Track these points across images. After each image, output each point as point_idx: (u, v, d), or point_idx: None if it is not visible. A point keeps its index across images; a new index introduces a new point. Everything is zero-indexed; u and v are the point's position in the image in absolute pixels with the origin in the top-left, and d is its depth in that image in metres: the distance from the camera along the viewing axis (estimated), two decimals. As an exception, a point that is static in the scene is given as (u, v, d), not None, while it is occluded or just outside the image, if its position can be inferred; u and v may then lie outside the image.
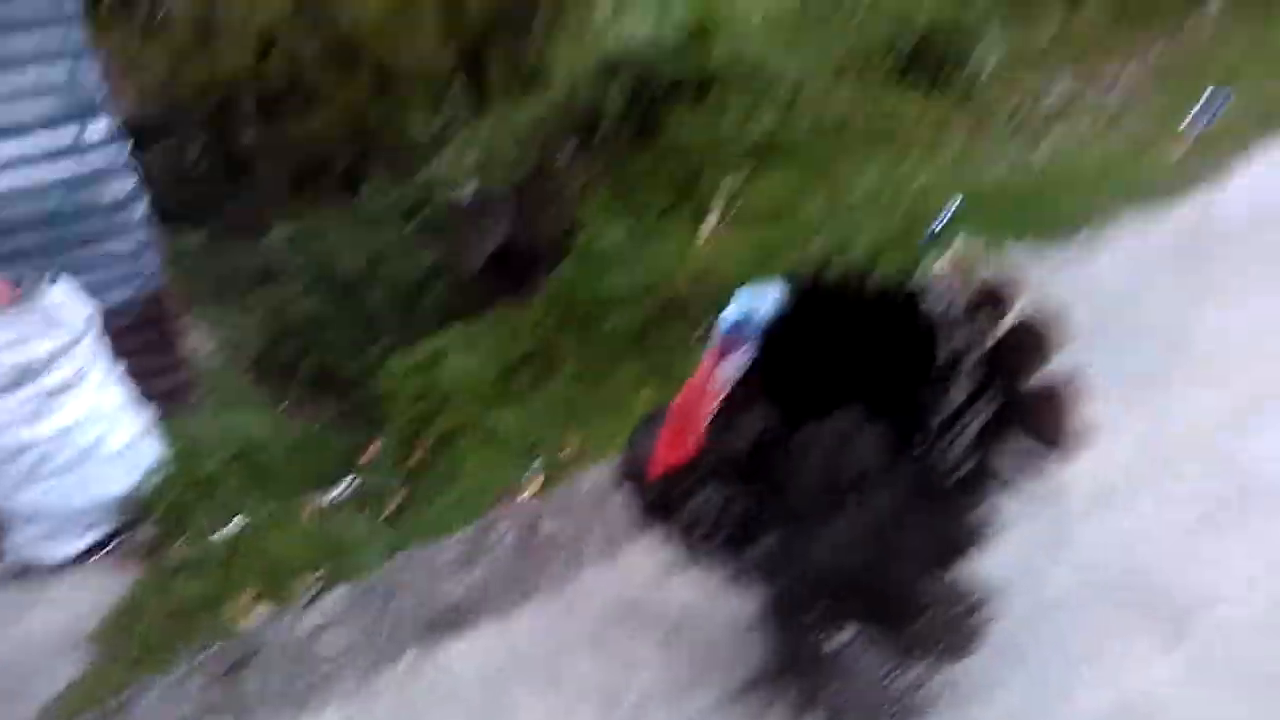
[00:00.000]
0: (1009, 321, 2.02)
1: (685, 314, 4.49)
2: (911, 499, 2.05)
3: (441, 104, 11.59)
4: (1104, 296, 3.71)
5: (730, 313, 2.09)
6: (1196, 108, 4.97)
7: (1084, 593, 2.55)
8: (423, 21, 13.69)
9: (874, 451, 2.05)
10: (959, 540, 2.11)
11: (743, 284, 4.25)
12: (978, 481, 2.07)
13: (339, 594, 3.20)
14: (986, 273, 2.07)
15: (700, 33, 5.42)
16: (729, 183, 4.95)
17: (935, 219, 4.34)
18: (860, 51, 5.43)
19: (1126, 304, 3.65)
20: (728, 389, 2.12)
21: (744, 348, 2.09)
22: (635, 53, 5.40)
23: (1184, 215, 4.18)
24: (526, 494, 3.85)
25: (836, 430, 2.07)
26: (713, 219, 4.84)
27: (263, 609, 3.61)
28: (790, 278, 2.16)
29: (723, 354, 2.10)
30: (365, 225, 8.29)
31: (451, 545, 3.28)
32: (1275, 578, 2.49)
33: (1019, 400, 2.02)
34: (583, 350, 4.72)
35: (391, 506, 4.15)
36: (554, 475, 3.89)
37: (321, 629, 3.07)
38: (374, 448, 4.79)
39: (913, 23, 5.26)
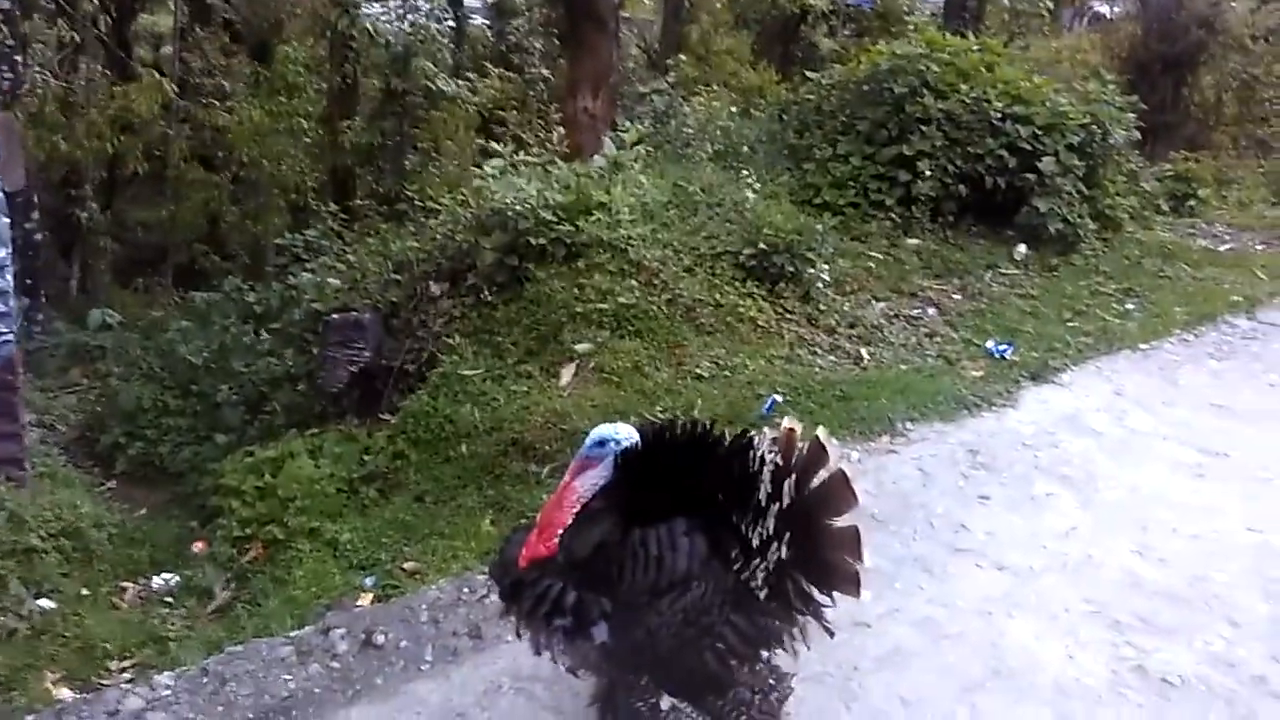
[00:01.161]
0: (819, 477, 2.49)
1: (531, 453, 4.81)
2: (723, 600, 2.43)
3: (304, 219, 11.79)
4: (896, 493, 4.31)
5: (592, 436, 2.52)
6: (991, 342, 5.83)
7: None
8: (295, 141, 13.99)
9: (694, 557, 2.45)
10: (761, 638, 2.50)
11: (587, 433, 4.65)
12: (779, 596, 2.48)
13: (168, 677, 3.22)
14: (808, 439, 2.54)
15: (575, 211, 5.96)
16: (586, 342, 5.38)
17: (764, 403, 4.89)
18: (713, 250, 6.09)
19: (915, 500, 4.24)
20: (584, 500, 2.51)
21: (600, 467, 2.50)
22: (514, 216, 5.85)
23: (976, 427, 4.88)
24: (361, 602, 3.99)
25: (664, 537, 2.46)
26: (569, 372, 5.24)
27: (68, 691, 3.56)
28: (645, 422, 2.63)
29: (582, 470, 2.52)
30: (203, 321, 8.26)
31: (287, 641, 3.38)
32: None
33: (815, 541, 2.48)
34: (429, 474, 4.93)
35: (218, 602, 4.16)
36: (391, 588, 4.04)
37: (146, 711, 3.09)
38: (202, 544, 4.79)
39: (760, 234, 5.95)
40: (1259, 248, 7.92)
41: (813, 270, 5.92)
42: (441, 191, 8.80)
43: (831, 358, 5.59)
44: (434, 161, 14.09)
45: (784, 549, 2.43)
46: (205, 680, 3.16)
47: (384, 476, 5.00)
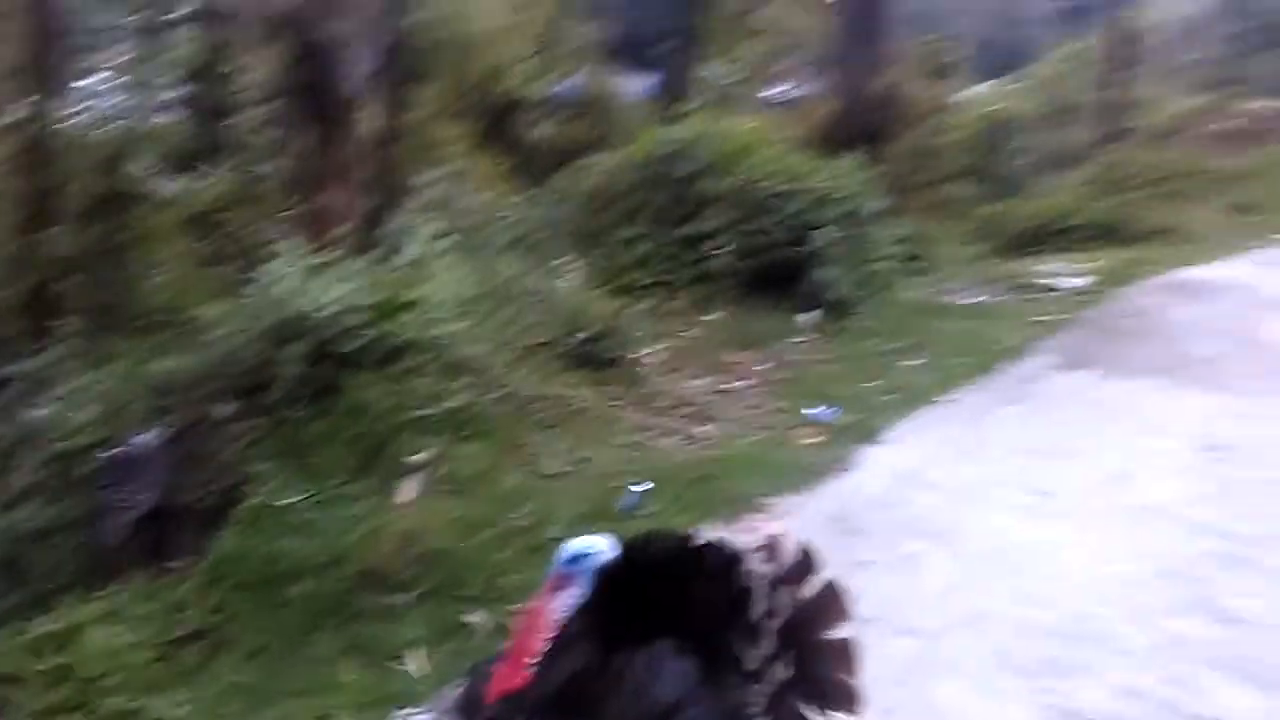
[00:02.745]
0: (811, 589, 2.36)
1: (386, 583, 4.35)
2: None
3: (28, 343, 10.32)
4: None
5: (566, 551, 2.26)
6: (815, 409, 6.00)
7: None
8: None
9: (683, 684, 2.23)
10: None
11: (445, 551, 4.27)
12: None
13: None
14: (795, 545, 2.40)
15: (384, 311, 5.57)
16: (422, 452, 5.00)
17: (628, 496, 4.71)
18: (534, 341, 5.90)
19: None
20: (559, 623, 2.23)
21: (576, 586, 2.24)
22: (317, 321, 5.38)
23: (830, 493, 4.95)
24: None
25: (649, 662, 2.23)
26: (409, 487, 4.82)
27: None
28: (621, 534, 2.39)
29: (556, 589, 2.24)
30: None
31: None
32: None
33: (813, 657, 2.33)
34: (261, 625, 4.32)
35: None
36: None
37: None
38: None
39: (581, 320, 5.85)
40: (999, 299, 8.75)
41: (639, 353, 5.88)
42: (195, 301, 8.04)
43: (672, 440, 5.52)
44: (155, 270, 12.88)
45: (783, 668, 2.27)
46: None
47: (205, 635, 4.32)
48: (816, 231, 7.58)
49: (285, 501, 4.86)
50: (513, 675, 2.22)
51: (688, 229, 7.27)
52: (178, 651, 4.24)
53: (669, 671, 2.20)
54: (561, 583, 2.27)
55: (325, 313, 5.38)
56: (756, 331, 7.18)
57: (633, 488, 4.76)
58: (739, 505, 4.74)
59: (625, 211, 7.60)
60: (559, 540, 4.42)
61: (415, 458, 4.96)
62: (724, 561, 2.31)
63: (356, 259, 6.46)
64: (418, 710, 3.43)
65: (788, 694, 2.26)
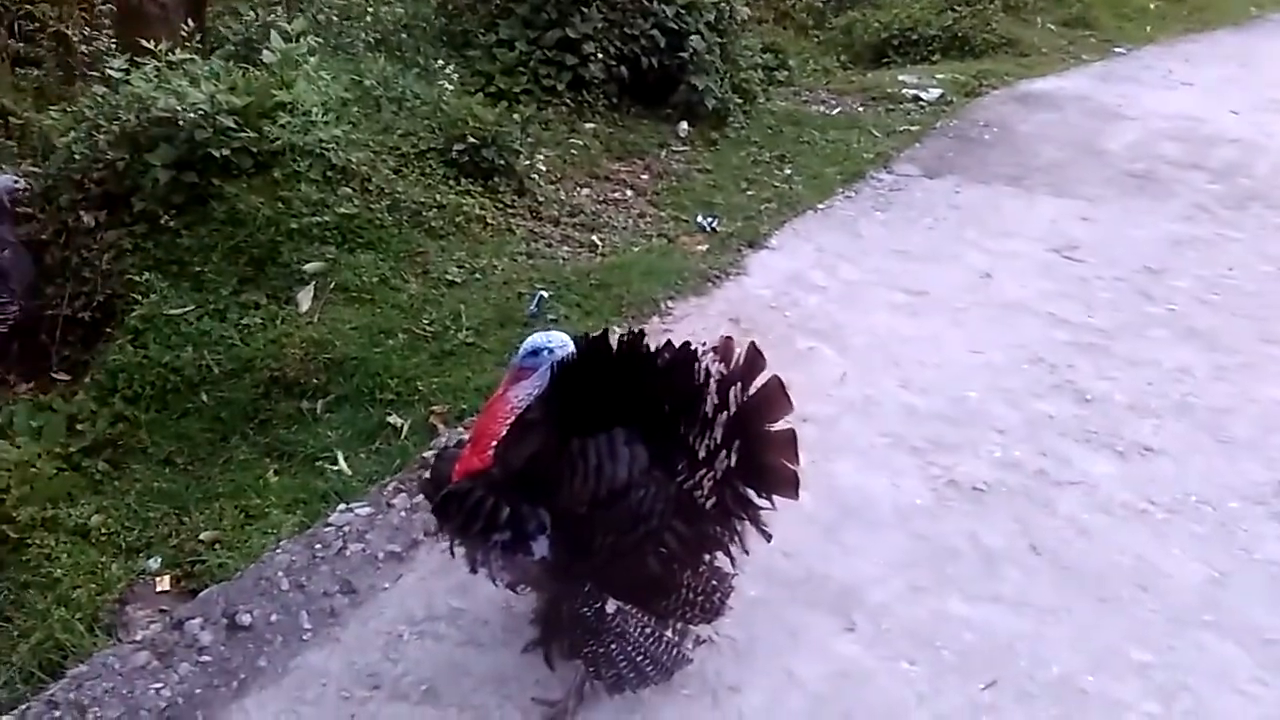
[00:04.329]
0: (757, 384, 2.55)
1: (297, 389, 4.34)
2: (665, 508, 2.42)
3: None
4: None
5: (526, 345, 2.42)
6: (700, 217, 6.13)
7: (775, 592, 3.15)
8: None
9: (636, 466, 2.42)
10: (703, 544, 2.56)
11: (356, 359, 4.31)
12: (721, 503, 2.54)
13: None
14: (743, 347, 2.58)
15: (253, 114, 5.26)
16: (315, 261, 4.88)
17: (532, 301, 4.79)
18: (415, 148, 5.72)
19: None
20: (519, 411, 2.40)
21: (535, 377, 2.40)
22: (186, 125, 5.05)
23: (725, 296, 5.17)
24: (162, 588, 3.46)
25: (604, 446, 2.40)
26: (307, 295, 4.73)
27: None
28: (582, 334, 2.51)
29: (516, 380, 2.41)
30: None
31: (135, 650, 2.85)
32: (900, 571, 3.29)
33: (757, 447, 2.55)
34: (170, 433, 4.27)
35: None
36: (194, 563, 3.52)
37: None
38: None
39: (466, 127, 5.69)
40: (861, 109, 8.94)
41: (526, 162, 5.80)
42: (20, 105, 7.31)
43: (566, 248, 5.56)
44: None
45: (731, 457, 2.46)
46: (62, 707, 2.61)
47: (111, 444, 4.25)
48: (693, 38, 7.47)
49: (175, 311, 4.70)
50: (476, 457, 2.39)
51: (560, 32, 7.02)
52: (84, 461, 4.18)
53: (623, 455, 2.39)
54: (521, 374, 2.41)
55: (194, 114, 5.05)
56: (632, 142, 7.15)
57: (536, 294, 4.83)
58: (643, 308, 4.91)
59: (492, 13, 7.25)
60: (470, 345, 4.56)
61: (309, 266, 4.84)
62: (678, 360, 2.47)
63: (206, 60, 6.02)
64: (358, 503, 3.53)
65: (733, 478, 2.50)
